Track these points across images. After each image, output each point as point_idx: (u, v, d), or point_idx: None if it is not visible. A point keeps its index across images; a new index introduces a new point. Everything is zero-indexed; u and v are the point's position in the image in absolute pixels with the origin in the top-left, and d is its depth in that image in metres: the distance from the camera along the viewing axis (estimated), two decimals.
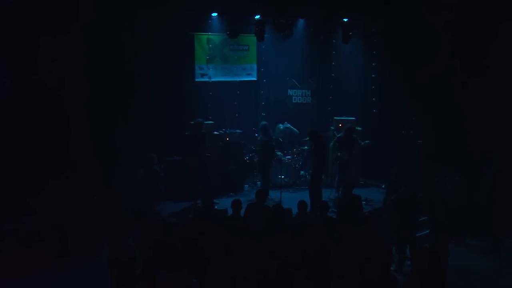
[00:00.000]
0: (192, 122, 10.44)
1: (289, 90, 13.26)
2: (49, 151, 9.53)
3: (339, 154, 10.88)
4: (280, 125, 12.44)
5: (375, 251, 6.53)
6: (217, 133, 11.37)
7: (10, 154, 9.11)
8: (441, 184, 9.93)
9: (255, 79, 12.69)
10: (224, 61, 12.19)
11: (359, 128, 12.00)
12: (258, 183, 11.82)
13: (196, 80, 11.84)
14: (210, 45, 11.87)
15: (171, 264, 6.83)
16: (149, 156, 9.66)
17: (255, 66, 12.60)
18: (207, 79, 11.94)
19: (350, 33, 11.89)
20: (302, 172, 12.26)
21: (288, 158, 11.99)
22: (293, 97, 13.26)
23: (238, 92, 12.69)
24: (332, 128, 12.17)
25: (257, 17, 11.16)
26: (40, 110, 9.51)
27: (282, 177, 11.36)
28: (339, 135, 11.12)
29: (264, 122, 11.24)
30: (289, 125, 12.45)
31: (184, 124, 10.85)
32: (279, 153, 11.48)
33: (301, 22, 12.35)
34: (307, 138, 12.47)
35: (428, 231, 8.92)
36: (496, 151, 10.54)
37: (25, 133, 9.38)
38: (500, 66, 10.41)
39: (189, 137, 10.36)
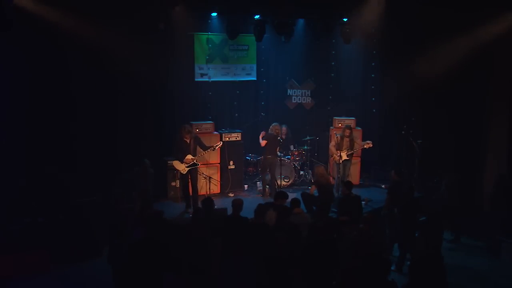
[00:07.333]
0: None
1: (288, 90, 13.25)
2: (49, 151, 9.54)
3: (338, 154, 10.89)
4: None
5: (368, 251, 6.51)
6: (217, 133, 11.37)
7: (10, 154, 9.14)
8: (440, 185, 9.93)
9: (254, 79, 12.68)
10: (223, 61, 12.18)
11: (359, 128, 12.01)
12: (258, 183, 11.83)
13: (196, 80, 11.84)
14: (210, 45, 11.87)
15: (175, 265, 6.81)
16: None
17: (254, 66, 12.59)
18: (207, 79, 11.94)
19: (348, 31, 11.85)
20: (301, 172, 12.27)
21: (288, 158, 11.99)
22: (293, 97, 13.26)
23: (238, 92, 12.69)
24: (332, 128, 12.18)
25: (257, 17, 11.15)
26: (41, 110, 9.52)
27: (282, 177, 11.38)
28: (338, 135, 11.12)
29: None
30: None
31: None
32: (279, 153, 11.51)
33: (301, 22, 12.35)
34: (307, 138, 12.54)
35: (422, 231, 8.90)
36: (498, 151, 10.50)
37: (26, 132, 9.41)
38: (502, 64, 10.36)
39: (177, 141, 10.06)
